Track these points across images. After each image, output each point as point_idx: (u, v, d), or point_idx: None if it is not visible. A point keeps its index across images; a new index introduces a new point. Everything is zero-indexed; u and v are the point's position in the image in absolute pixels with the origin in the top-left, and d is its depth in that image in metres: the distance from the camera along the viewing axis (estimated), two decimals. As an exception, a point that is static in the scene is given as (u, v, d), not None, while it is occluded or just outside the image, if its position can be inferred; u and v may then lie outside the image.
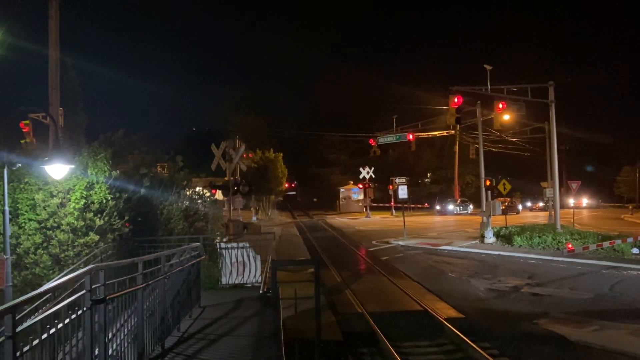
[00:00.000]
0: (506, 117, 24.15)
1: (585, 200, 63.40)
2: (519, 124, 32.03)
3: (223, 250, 12.96)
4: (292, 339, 8.52)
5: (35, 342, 3.78)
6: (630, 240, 19.80)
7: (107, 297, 5.12)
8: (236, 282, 12.89)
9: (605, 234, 22.67)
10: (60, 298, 5.09)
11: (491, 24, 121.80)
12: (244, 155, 29.31)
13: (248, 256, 12.91)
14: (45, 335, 3.88)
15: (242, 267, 12.81)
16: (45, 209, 11.13)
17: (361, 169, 53.23)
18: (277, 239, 27.02)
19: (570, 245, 19.76)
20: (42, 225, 11.08)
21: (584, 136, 60.46)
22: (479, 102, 26.45)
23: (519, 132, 37.38)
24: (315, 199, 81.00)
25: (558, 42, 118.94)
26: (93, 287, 4.85)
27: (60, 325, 4.14)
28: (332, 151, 77.58)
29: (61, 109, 16.81)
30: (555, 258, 19.20)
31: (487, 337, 9.42)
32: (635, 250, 19.45)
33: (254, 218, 44.51)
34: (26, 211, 11.14)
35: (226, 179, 21.60)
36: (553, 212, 27.46)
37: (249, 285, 12.77)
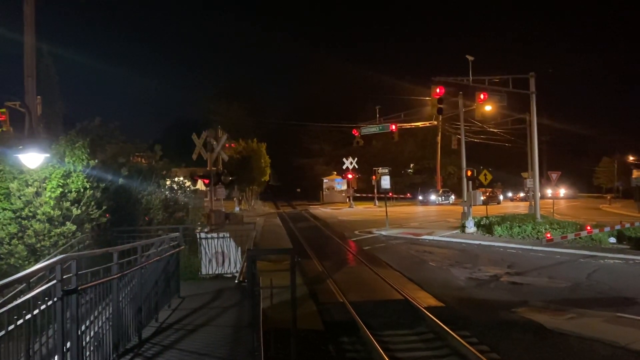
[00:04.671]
0: (488, 107, 24.29)
1: (562, 191, 64.22)
2: (500, 114, 32.25)
3: (203, 241, 12.85)
4: (272, 329, 8.47)
5: (1, 333, 3.66)
6: (607, 229, 20.12)
7: (80, 288, 5.00)
8: (216, 272, 12.80)
9: (584, 223, 22.99)
10: (34, 289, 4.97)
11: (473, 15, 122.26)
12: (226, 145, 29.13)
13: (228, 246, 12.83)
14: (12, 327, 3.77)
15: (222, 257, 12.72)
16: (21, 198, 10.88)
17: (344, 160, 53.26)
18: (259, 229, 26.95)
19: (549, 235, 20.01)
20: (17, 214, 10.83)
21: (565, 127, 61.15)
22: (461, 92, 26.57)
23: (500, 123, 37.64)
24: (298, 190, 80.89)
25: (539, 34, 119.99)
26: (65, 277, 4.73)
27: (28, 316, 4.03)
28: (316, 141, 77.42)
29: (39, 97, 16.45)
30: (534, 247, 19.44)
31: (467, 326, 9.49)
32: (612, 240, 19.76)
33: (237, 208, 44.29)
34: (0, 200, 10.88)
35: (208, 169, 21.45)
36: (533, 202, 27.77)
37: (229, 275, 12.69)
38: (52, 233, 10.85)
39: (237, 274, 12.65)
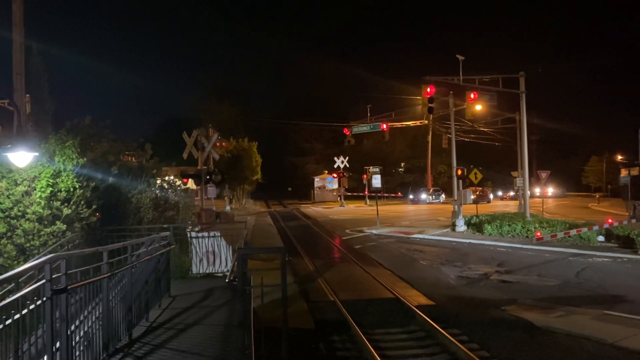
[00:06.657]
0: (478, 107, 24.42)
1: (550, 190, 64.58)
2: (490, 114, 32.46)
3: (194, 240, 12.80)
4: (263, 328, 8.48)
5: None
6: (596, 228, 20.28)
7: (69, 287, 4.98)
8: (207, 271, 12.76)
9: (573, 222, 23.18)
10: (23, 289, 4.94)
11: (464, 14, 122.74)
12: (217, 143, 29.04)
13: (219, 245, 12.79)
14: (0, 327, 3.75)
15: (212, 256, 12.68)
16: (9, 198, 10.79)
17: (336, 159, 53.27)
18: (250, 228, 26.91)
19: (538, 233, 20.16)
20: (6, 214, 10.73)
21: (554, 126, 61.64)
22: (451, 92, 26.69)
23: (490, 122, 37.92)
24: (289, 188, 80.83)
25: (529, 33, 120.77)
26: (54, 276, 4.70)
27: (17, 316, 4.01)
28: (307, 140, 77.34)
29: (28, 95, 16.27)
30: (524, 246, 19.58)
31: (457, 324, 9.55)
32: (600, 238, 19.92)
33: (228, 207, 44.17)
34: (-12, 200, 10.78)
35: (198, 167, 21.37)
36: (523, 201, 27.95)
37: (220, 274, 12.65)
38: (42, 232, 10.77)
39: (227, 273, 12.61)
